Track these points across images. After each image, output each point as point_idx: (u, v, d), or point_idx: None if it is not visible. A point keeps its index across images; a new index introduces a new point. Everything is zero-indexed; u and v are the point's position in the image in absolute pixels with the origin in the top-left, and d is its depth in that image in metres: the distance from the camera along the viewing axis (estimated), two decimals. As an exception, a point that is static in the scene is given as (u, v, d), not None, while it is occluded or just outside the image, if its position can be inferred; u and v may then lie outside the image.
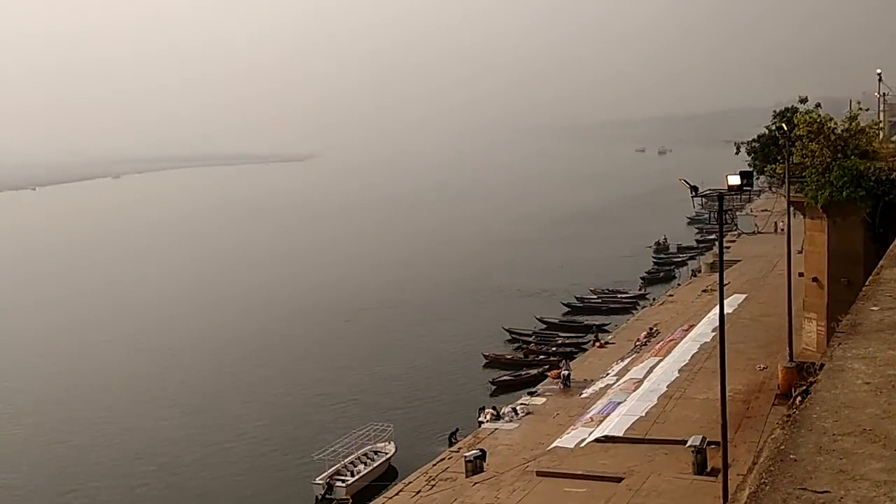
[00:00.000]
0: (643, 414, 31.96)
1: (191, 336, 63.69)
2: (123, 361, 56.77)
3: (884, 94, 62.23)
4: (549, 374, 45.38)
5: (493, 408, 40.09)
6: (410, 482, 32.19)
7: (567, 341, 55.91)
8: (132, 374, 53.76)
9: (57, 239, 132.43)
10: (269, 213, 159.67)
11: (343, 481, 34.47)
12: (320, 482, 34.32)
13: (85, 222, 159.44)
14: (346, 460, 35.96)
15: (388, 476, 36.08)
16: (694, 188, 24.96)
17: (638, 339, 49.56)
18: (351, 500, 33.70)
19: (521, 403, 40.40)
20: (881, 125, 48.73)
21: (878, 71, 64.71)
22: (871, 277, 9.62)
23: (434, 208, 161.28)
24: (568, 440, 31.79)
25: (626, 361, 44.71)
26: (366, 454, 36.99)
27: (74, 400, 49.30)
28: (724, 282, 22.15)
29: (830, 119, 30.77)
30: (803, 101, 33.73)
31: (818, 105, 32.75)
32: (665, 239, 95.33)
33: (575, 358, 50.10)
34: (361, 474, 35.24)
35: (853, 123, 29.95)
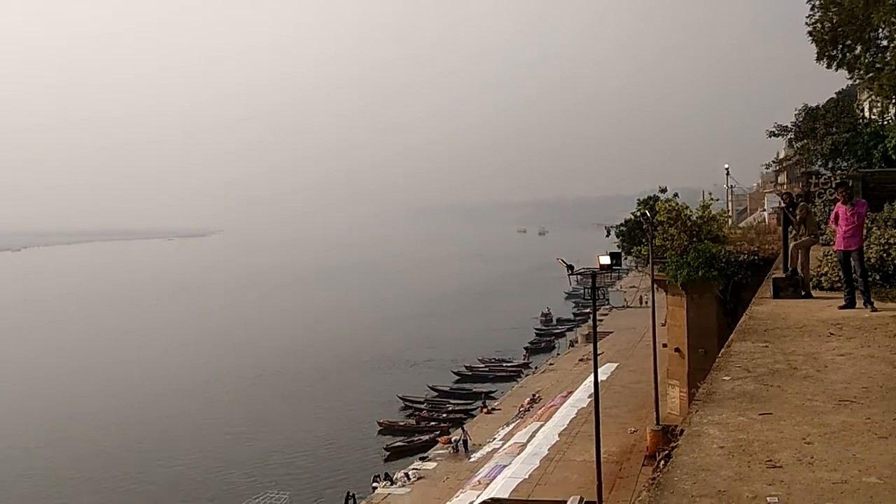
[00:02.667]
0: (527, 476, 32.01)
1: (88, 404, 60.07)
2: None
3: (731, 186, 66.31)
4: (439, 439, 44.99)
5: (386, 473, 39.41)
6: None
7: (457, 408, 55.71)
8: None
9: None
10: (166, 287, 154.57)
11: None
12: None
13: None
14: (241, 529, 34.56)
15: (283, 543, 34.76)
16: (570, 267, 25.66)
17: (522, 406, 49.85)
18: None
19: (413, 468, 39.80)
20: (729, 213, 51.58)
21: (727, 166, 69.08)
22: (722, 350, 10.02)
23: (328, 284, 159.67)
24: None
25: (510, 426, 44.81)
26: (261, 522, 35.62)
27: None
28: (598, 352, 22.67)
29: (686, 207, 32.27)
30: (663, 190, 35.32)
31: (676, 195, 34.33)
32: (549, 310, 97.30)
33: (465, 423, 49.95)
34: (257, 543, 33.83)
35: (706, 211, 31.46)
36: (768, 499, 4.70)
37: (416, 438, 48.51)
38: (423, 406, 56.49)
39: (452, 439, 42.83)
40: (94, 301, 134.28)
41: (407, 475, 38.47)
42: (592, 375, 21.13)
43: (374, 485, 38.21)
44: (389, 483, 37.69)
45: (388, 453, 46.74)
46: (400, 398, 58.08)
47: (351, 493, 38.11)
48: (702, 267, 28.90)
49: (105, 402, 60.99)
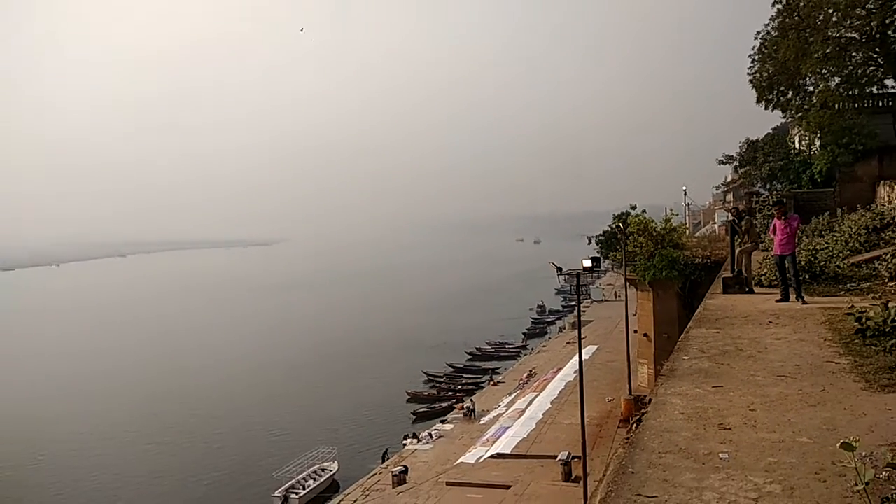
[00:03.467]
0: (525, 436, 31.88)
1: (176, 383, 60.52)
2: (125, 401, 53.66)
3: (688, 203, 65.84)
4: (455, 406, 44.90)
5: (414, 433, 39.36)
6: (349, 493, 31.07)
7: (469, 381, 55.56)
8: (137, 411, 50.79)
9: (74, 305, 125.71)
10: (243, 286, 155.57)
11: (296, 494, 33.00)
12: (278, 495, 32.75)
13: (96, 294, 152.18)
14: (298, 476, 34.59)
15: (332, 489, 34.71)
16: (559, 269, 25.70)
17: (521, 379, 49.65)
18: (302, 510, 32.34)
19: (435, 429, 39.75)
20: (687, 225, 51.22)
21: (684, 188, 68.64)
22: (682, 335, 9.97)
23: (366, 283, 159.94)
24: (470, 457, 31.34)
25: (512, 396, 44.65)
26: (314, 471, 35.59)
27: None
28: (582, 336, 22.55)
29: (652, 220, 32.10)
30: (633, 207, 35.13)
31: (644, 211, 34.15)
32: (543, 303, 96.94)
33: (475, 394, 49.80)
34: (311, 488, 33.81)
35: (668, 224, 31.28)
36: (720, 455, 4.67)
37: (437, 405, 48.40)
38: (442, 379, 56.38)
39: (465, 406, 42.74)
40: (181, 298, 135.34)
41: (430, 434, 38.45)
42: (577, 355, 21.02)
43: (405, 442, 38.16)
44: (416, 440, 37.63)
45: (414, 417, 46.66)
46: (424, 373, 57.97)
47: (386, 449, 38.24)
48: (665, 269, 28.72)
49: (185, 378, 61.51)
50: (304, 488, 33.62)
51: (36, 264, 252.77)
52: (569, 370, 43.68)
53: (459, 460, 31.34)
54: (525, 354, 65.82)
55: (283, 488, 33.23)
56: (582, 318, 28.93)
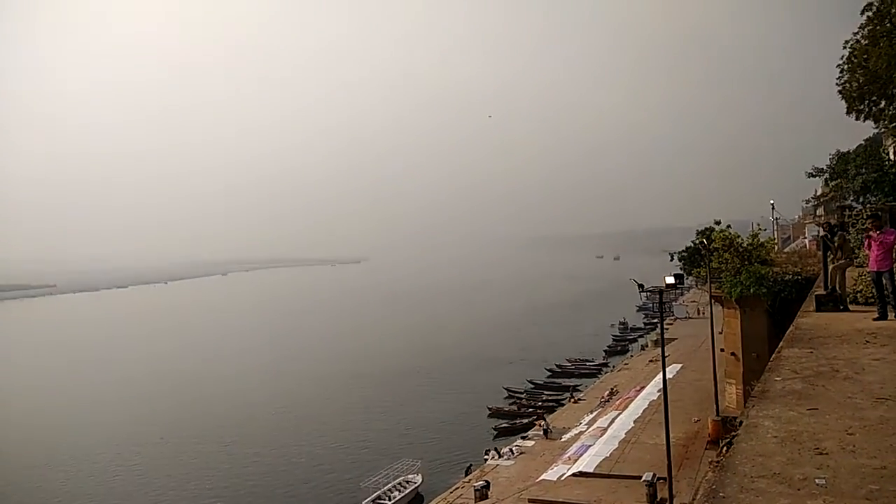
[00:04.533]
0: (608, 455, 31.01)
1: (269, 399, 62.73)
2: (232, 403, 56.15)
3: (776, 218, 62.67)
4: (536, 423, 44.33)
5: (496, 448, 39.11)
6: (433, 506, 31.19)
7: (550, 398, 54.76)
8: (235, 417, 53.03)
9: (182, 318, 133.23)
10: (334, 302, 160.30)
11: (382, 505, 33.47)
12: (365, 505, 33.32)
13: (201, 307, 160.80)
14: (384, 488, 35.01)
15: (416, 502, 34.95)
16: (641, 285, 25.05)
17: (602, 397, 48.48)
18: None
19: (516, 445, 39.34)
20: (775, 241, 48.78)
21: (771, 202, 65.42)
22: (774, 355, 9.53)
23: (449, 298, 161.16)
24: (552, 474, 30.79)
25: (594, 414, 43.64)
26: (399, 483, 35.95)
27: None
28: (665, 354, 21.86)
29: (738, 236, 30.91)
30: (717, 222, 33.94)
31: (728, 226, 32.93)
32: (625, 320, 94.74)
33: (555, 411, 48.98)
34: (396, 500, 34.16)
35: (755, 239, 30.02)
36: (816, 480, 4.46)
37: (517, 421, 47.93)
38: (523, 396, 55.83)
39: (541, 424, 42.14)
40: (278, 313, 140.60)
41: (511, 450, 38.10)
42: (661, 373, 20.36)
43: (486, 457, 38.00)
44: (498, 456, 37.38)
45: (496, 432, 46.35)
46: (505, 389, 57.61)
47: (469, 464, 38.15)
48: (753, 285, 27.56)
49: (279, 386, 63.64)
50: (389, 500, 34.00)
51: (147, 282, 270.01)
52: (652, 389, 42.25)
53: (541, 477, 30.82)
54: (606, 372, 64.25)
55: (369, 499, 33.73)
56: (665, 336, 28.03)
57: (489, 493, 29.90)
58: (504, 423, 47.80)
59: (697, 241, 35.59)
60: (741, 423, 6.06)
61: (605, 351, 76.10)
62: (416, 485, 35.96)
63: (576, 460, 31.73)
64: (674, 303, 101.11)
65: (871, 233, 12.83)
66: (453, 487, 33.65)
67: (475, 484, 31.13)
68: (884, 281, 12.21)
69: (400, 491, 35.04)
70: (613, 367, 65.84)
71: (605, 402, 46.60)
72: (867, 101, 29.40)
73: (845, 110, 29.82)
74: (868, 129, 34.87)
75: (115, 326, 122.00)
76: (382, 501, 33.76)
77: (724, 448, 5.44)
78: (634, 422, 36.00)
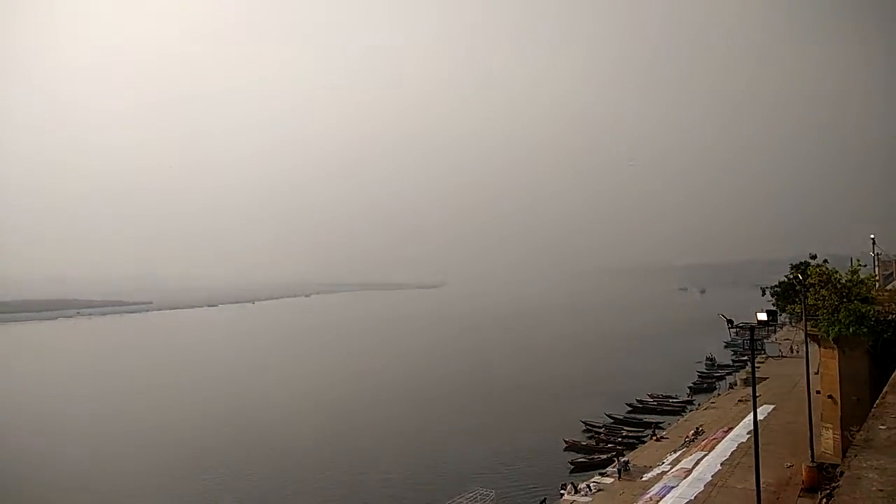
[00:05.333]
0: (692, 498, 29.60)
1: (347, 410, 63.97)
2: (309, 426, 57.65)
3: (877, 253, 58.82)
4: (615, 459, 42.93)
5: (572, 483, 38.12)
6: (507, 538, 30.66)
7: (630, 434, 52.94)
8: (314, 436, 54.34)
9: (271, 336, 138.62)
10: (414, 326, 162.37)
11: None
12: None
13: (291, 328, 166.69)
14: (459, 516, 34.79)
15: (490, 532, 34.50)
16: (729, 321, 24.03)
17: (687, 436, 46.40)
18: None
19: (594, 481, 38.19)
20: (877, 277, 45.77)
21: (872, 236, 61.36)
22: (877, 401, 8.99)
23: (523, 325, 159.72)
24: (631, 514, 29.69)
25: (677, 453, 41.84)
26: (474, 512, 35.65)
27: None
28: (757, 394, 20.84)
29: (836, 272, 29.24)
30: (813, 257, 32.43)
31: (825, 260, 31.30)
32: (712, 356, 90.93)
33: (636, 448, 47.30)
34: (470, 529, 33.85)
35: (854, 275, 28.30)
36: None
37: (595, 456, 46.58)
38: (601, 430, 54.27)
39: (620, 460, 40.75)
40: (356, 336, 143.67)
41: (589, 486, 37.01)
42: (752, 414, 19.41)
43: (562, 492, 37.05)
44: (575, 491, 36.41)
45: (572, 466, 45.20)
46: (582, 422, 56.22)
47: (544, 498, 37.30)
48: (853, 324, 25.94)
49: (354, 407, 64.71)
50: (463, 529, 33.74)
51: (236, 301, 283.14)
52: (741, 430, 40.11)
53: (620, 516, 29.77)
54: (691, 410, 61.52)
55: (443, 527, 33.59)
56: (756, 375, 26.68)
57: (565, 529, 29.17)
58: (581, 458, 46.57)
59: (792, 276, 33.98)
60: (842, 472, 5.79)
61: (689, 388, 73.00)
62: (491, 515, 35.54)
63: (657, 501, 30.49)
64: (765, 340, 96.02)
65: None
66: (528, 521, 33.01)
67: (551, 519, 30.44)
68: None
69: (474, 521, 34.75)
70: (699, 405, 62.98)
71: (690, 441, 44.59)
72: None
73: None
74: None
75: (227, 344, 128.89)
76: (456, 530, 33.55)
77: (824, 500, 5.23)
78: (721, 464, 34.25)
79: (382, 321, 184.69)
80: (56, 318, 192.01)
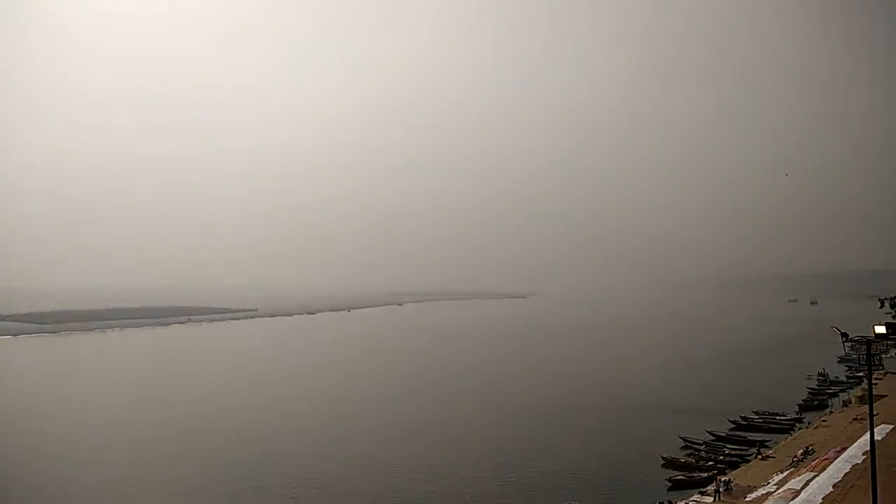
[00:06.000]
0: (801, 520, 27.97)
1: (431, 421, 64.69)
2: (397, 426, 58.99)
3: None
4: (716, 478, 41.09)
5: (670, 501, 36.88)
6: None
7: (733, 452, 50.48)
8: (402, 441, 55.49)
9: (371, 344, 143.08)
10: (504, 336, 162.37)
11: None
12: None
13: (387, 335, 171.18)
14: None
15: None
16: (844, 334, 22.62)
17: (795, 456, 43.74)
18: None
19: (693, 500, 36.79)
20: None
21: None
22: None
23: (619, 336, 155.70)
24: (734, 535, 28.38)
25: (784, 473, 39.55)
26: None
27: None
28: (874, 413, 19.52)
29: (966, 282, 26.85)
30: (940, 266, 29.80)
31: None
32: (825, 371, 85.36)
33: (739, 467, 45.07)
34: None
35: None
36: None
37: (695, 475, 44.73)
38: (702, 447, 52.03)
39: (721, 480, 38.91)
40: (448, 345, 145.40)
41: (688, 505, 35.71)
42: (868, 433, 18.23)
43: (659, 509, 35.95)
44: (673, 509, 35.19)
45: (670, 484, 43.57)
46: (682, 438, 54.12)
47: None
48: None
49: (437, 417, 65.35)
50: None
51: (333, 309, 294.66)
52: (856, 450, 37.39)
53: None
54: (800, 428, 57.96)
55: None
56: (874, 392, 24.88)
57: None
58: (679, 476, 44.85)
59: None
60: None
61: (799, 405, 68.70)
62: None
63: (762, 523, 28.98)
64: (883, 355, 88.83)
65: None
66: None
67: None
68: None
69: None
70: (809, 423, 59.17)
71: (799, 461, 42.02)
72: None
73: None
74: None
75: (329, 347, 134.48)
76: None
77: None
78: (834, 486, 32.09)
79: (472, 331, 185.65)
80: (170, 324, 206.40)
